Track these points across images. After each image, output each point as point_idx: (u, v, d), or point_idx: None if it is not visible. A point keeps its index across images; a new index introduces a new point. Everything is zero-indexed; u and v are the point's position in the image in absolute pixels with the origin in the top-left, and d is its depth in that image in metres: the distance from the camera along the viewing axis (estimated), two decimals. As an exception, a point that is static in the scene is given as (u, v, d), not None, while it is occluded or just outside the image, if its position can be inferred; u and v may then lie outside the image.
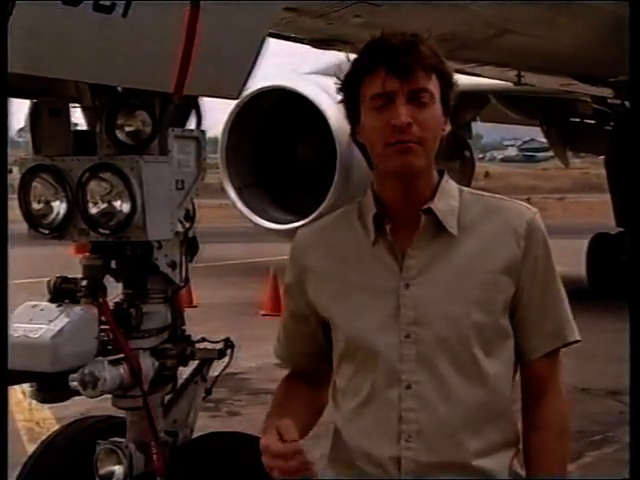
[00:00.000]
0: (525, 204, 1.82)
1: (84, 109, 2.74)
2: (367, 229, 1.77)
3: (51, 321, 2.59)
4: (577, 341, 1.82)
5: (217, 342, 2.94)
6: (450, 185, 1.79)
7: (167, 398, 2.93)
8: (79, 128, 2.79)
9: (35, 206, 2.68)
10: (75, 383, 2.60)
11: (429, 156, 1.72)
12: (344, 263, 1.78)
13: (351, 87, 1.74)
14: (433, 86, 1.69)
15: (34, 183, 2.67)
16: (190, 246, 2.85)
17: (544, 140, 15.83)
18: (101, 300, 2.67)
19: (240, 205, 9.85)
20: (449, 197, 1.76)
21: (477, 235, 1.75)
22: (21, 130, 2.88)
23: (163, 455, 2.78)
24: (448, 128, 1.75)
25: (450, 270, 1.72)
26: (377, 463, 1.72)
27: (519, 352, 1.79)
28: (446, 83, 1.72)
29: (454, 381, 1.70)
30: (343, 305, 1.76)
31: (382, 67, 1.67)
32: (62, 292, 2.71)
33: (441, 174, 1.79)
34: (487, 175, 41.39)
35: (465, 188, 1.82)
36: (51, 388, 2.67)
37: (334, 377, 1.83)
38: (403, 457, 1.69)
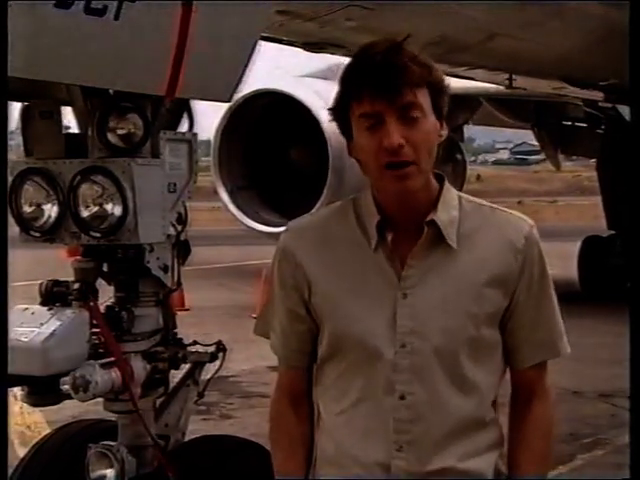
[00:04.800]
0: (522, 216, 1.81)
1: (76, 112, 2.74)
2: (367, 233, 1.75)
3: (42, 324, 2.58)
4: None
5: (209, 345, 2.94)
6: (451, 193, 1.77)
7: (159, 401, 2.93)
8: (71, 131, 2.79)
9: (26, 209, 2.67)
10: (66, 387, 2.60)
11: (426, 173, 1.71)
12: (341, 264, 1.76)
13: (340, 107, 1.72)
14: (423, 99, 1.67)
15: (25, 186, 2.67)
16: (182, 249, 2.85)
17: (536, 143, 15.86)
18: (92, 303, 2.67)
19: (232, 208, 9.83)
20: (450, 207, 1.75)
21: (475, 247, 1.74)
22: (11, 133, 2.87)
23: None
24: (445, 133, 1.73)
25: (447, 282, 1.72)
26: (366, 468, 1.72)
27: (509, 360, 1.80)
28: (437, 91, 1.70)
29: (446, 392, 1.71)
30: (338, 306, 1.75)
31: (368, 91, 1.65)
32: (53, 295, 2.70)
33: (441, 180, 1.77)
34: (479, 178, 41.46)
35: (464, 195, 1.81)
36: (42, 391, 2.67)
37: (318, 372, 1.82)
38: (393, 465, 1.71)
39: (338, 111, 1.73)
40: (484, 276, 1.72)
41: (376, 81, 1.63)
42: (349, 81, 1.69)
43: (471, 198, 1.82)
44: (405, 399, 1.70)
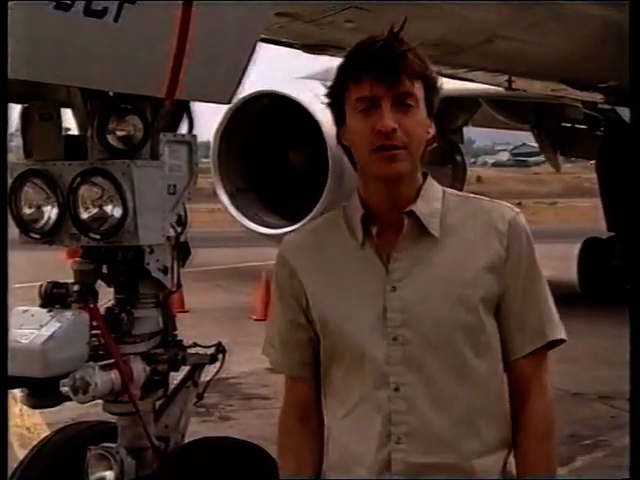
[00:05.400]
0: (507, 204, 1.84)
1: (75, 113, 2.74)
2: (354, 232, 1.78)
3: (42, 326, 2.58)
4: (562, 340, 1.81)
5: (209, 347, 2.94)
6: (433, 187, 1.81)
7: (158, 403, 2.93)
8: (70, 133, 2.79)
9: (26, 211, 2.67)
10: (66, 388, 2.60)
11: (414, 160, 1.74)
12: (333, 266, 1.79)
13: (337, 91, 1.76)
14: (418, 91, 1.72)
15: (25, 188, 2.67)
16: (182, 251, 2.85)
17: (535, 145, 15.88)
18: (92, 305, 2.67)
19: (232, 210, 9.83)
20: (432, 199, 1.78)
21: (460, 236, 1.76)
22: (11, 135, 2.87)
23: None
24: (433, 131, 1.77)
25: (434, 272, 1.74)
26: (370, 467, 1.72)
27: (503, 351, 1.78)
28: (430, 87, 1.75)
29: (443, 382, 1.71)
30: (332, 308, 1.77)
31: (368, 75, 1.69)
32: (53, 297, 2.70)
33: (424, 176, 1.81)
34: (479, 180, 41.48)
35: (448, 190, 1.83)
36: (42, 393, 2.67)
37: (324, 381, 1.82)
38: (393, 459, 1.70)
39: (334, 93, 1.77)
40: (473, 263, 1.74)
41: (377, 66, 1.68)
42: (350, 64, 1.74)
43: (457, 192, 1.85)
44: (399, 390, 1.71)
